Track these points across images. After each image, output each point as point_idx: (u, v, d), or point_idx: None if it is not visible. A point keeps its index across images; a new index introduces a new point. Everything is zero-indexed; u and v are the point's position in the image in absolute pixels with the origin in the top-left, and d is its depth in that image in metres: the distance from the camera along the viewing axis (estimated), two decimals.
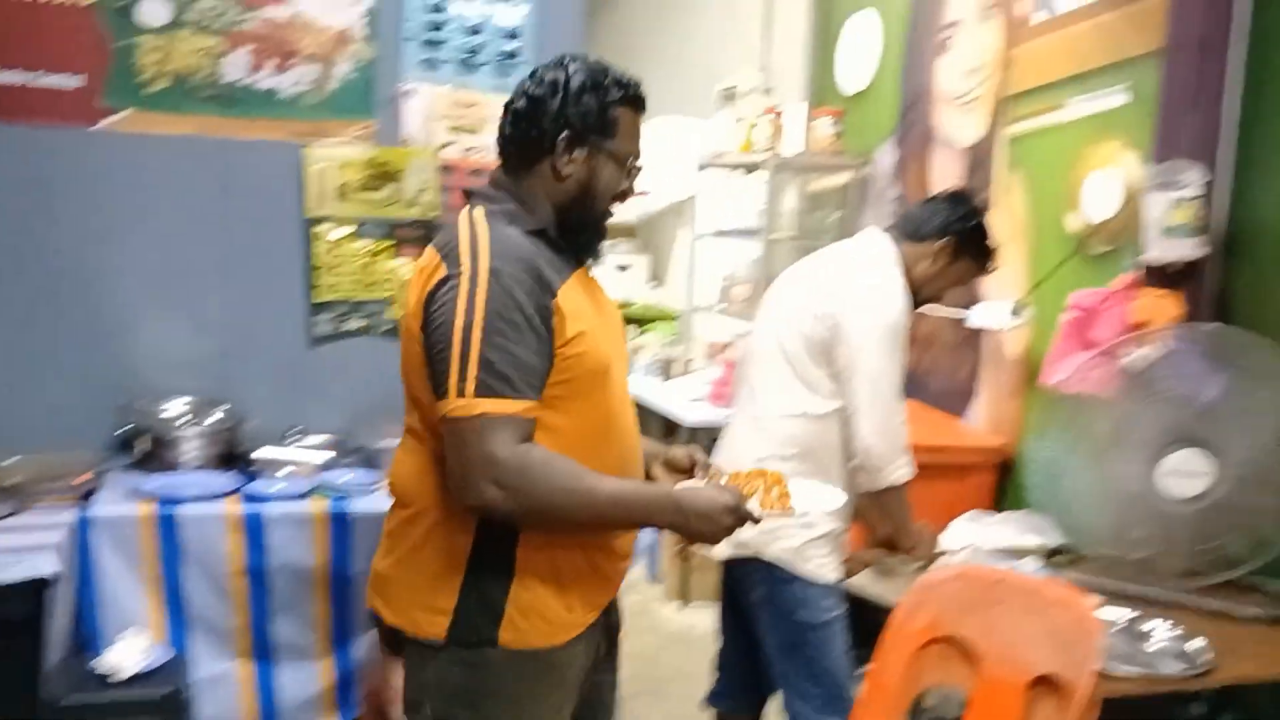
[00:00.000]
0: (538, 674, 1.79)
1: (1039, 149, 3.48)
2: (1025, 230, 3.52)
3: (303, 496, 2.75)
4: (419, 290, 1.74)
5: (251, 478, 2.85)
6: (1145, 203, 2.74)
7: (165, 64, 2.96)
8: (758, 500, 1.82)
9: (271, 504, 2.70)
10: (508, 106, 1.83)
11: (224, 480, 2.81)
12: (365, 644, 2.79)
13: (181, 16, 2.96)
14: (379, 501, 2.78)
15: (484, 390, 1.64)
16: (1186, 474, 2.47)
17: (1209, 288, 2.75)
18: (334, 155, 3.09)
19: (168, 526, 2.61)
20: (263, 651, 2.72)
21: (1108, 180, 3.06)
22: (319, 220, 3.10)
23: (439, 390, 1.68)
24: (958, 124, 3.94)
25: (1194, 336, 2.51)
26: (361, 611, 2.76)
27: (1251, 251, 2.74)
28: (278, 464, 2.90)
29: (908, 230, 2.65)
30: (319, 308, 3.15)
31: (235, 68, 3.00)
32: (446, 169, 3.17)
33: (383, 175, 3.11)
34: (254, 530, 2.67)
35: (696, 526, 1.74)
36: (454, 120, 3.15)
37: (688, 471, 1.99)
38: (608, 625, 1.97)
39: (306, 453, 2.96)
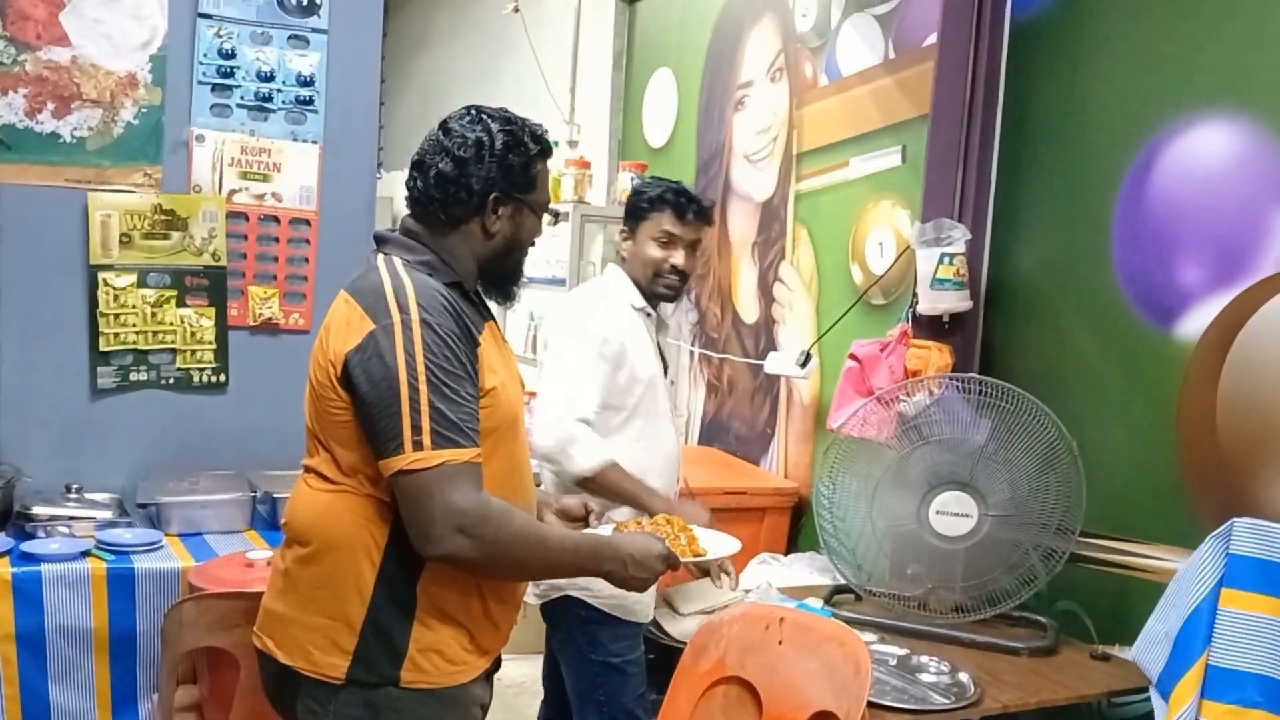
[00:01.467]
0: (440, 713, 1.78)
1: (825, 205, 3.67)
2: (813, 282, 3.69)
3: (81, 556, 2.64)
4: (341, 340, 1.71)
5: (25, 537, 2.72)
6: (916, 258, 2.92)
7: None
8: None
9: (46, 564, 2.58)
10: (427, 165, 1.80)
11: None
12: (149, 708, 2.68)
13: None
14: (163, 559, 2.71)
15: (440, 441, 1.64)
16: (955, 514, 2.63)
17: (974, 339, 2.94)
18: (119, 201, 2.99)
19: None
20: None
21: (884, 236, 3.25)
22: (103, 268, 3.00)
23: (389, 445, 1.65)
24: (752, 179, 4.11)
25: (960, 385, 2.68)
26: (146, 674, 2.66)
27: (1008, 305, 2.95)
28: (54, 522, 2.76)
29: None
30: (103, 358, 3.03)
31: (9, 110, 2.88)
32: (236, 216, 3.11)
33: (170, 222, 3.03)
34: (26, 592, 2.54)
35: (634, 573, 1.81)
36: (245, 167, 3.10)
37: (582, 519, 2.04)
38: (488, 674, 1.95)
39: (86, 510, 2.83)
